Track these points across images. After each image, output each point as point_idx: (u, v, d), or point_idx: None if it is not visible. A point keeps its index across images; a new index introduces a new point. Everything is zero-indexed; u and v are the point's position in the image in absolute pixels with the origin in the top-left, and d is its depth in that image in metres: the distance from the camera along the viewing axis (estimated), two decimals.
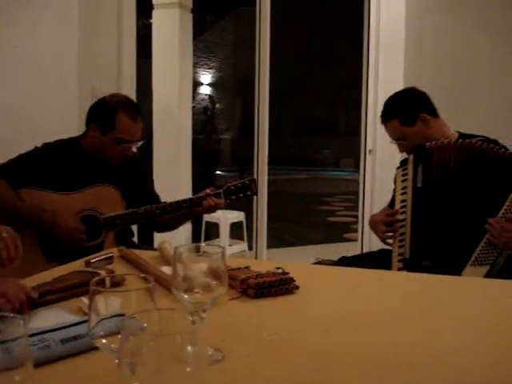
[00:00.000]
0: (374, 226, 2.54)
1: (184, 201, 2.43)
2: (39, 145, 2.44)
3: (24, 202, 2.28)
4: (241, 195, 2.48)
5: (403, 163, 2.48)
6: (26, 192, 2.30)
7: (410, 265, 2.32)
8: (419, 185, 2.36)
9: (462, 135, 2.48)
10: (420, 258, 2.32)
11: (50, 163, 2.37)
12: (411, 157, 2.41)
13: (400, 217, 2.40)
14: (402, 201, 2.42)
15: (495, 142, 2.35)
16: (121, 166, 2.48)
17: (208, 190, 2.44)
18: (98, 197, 2.39)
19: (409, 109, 2.48)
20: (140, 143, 2.48)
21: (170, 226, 2.65)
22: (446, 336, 1.20)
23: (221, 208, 2.48)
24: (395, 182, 2.52)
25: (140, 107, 2.53)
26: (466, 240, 2.26)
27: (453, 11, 4.63)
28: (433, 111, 2.50)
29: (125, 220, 2.37)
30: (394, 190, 2.54)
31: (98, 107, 2.47)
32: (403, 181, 2.44)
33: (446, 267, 2.12)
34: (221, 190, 2.44)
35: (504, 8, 4.39)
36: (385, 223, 2.45)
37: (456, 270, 2.16)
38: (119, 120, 2.38)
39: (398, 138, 2.52)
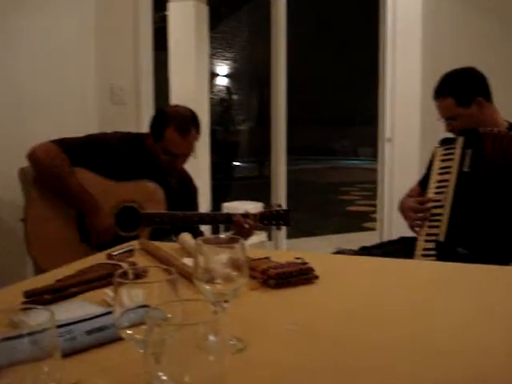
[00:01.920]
0: (403, 211, 2.49)
1: (221, 214, 2.57)
2: None
3: (77, 180, 2.37)
4: (273, 223, 2.48)
5: (446, 142, 2.42)
6: (80, 171, 2.39)
7: (443, 249, 2.26)
8: (466, 169, 2.29)
9: (511, 125, 2.44)
10: (455, 244, 2.25)
11: (112, 152, 2.46)
12: (461, 139, 2.35)
13: (434, 197, 2.35)
14: (440, 181, 2.36)
15: None
16: (172, 175, 2.57)
17: (247, 212, 2.47)
18: (144, 191, 2.46)
19: (467, 90, 2.42)
20: (193, 155, 2.55)
21: None
22: (472, 327, 1.19)
23: (250, 229, 2.44)
24: (432, 159, 2.46)
25: (195, 119, 2.53)
26: (509, 237, 2.19)
27: (470, 1, 4.58)
28: (489, 96, 2.44)
29: (163, 219, 2.42)
30: (429, 167, 2.48)
31: (155, 116, 2.58)
32: (444, 160, 2.37)
33: (481, 258, 2.07)
34: (257, 213, 2.47)
35: None
36: (415, 210, 2.43)
37: (493, 262, 2.12)
38: (168, 133, 2.45)
39: (449, 118, 2.45)
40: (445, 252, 2.24)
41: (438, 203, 2.33)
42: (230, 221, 2.47)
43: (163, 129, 2.46)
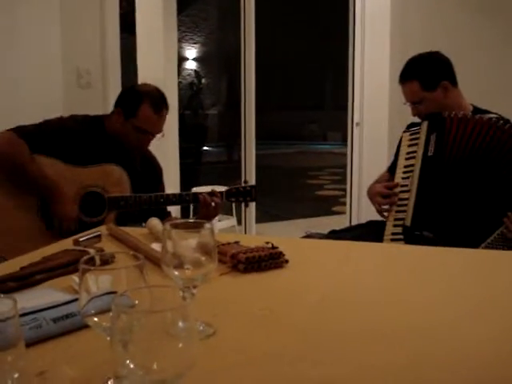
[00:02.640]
0: (371, 196, 2.51)
1: (187, 194, 2.52)
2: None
3: (37, 166, 2.32)
4: (240, 199, 2.54)
5: (412, 127, 2.43)
6: (39, 158, 2.33)
7: (409, 233, 2.28)
8: (430, 153, 2.30)
9: (476, 109, 2.44)
10: (421, 228, 2.27)
11: (71, 136, 2.40)
12: (425, 124, 2.36)
13: (401, 182, 2.37)
14: (406, 166, 2.37)
15: (508, 121, 2.29)
16: (137, 155, 2.54)
17: (214, 190, 2.50)
18: (107, 175, 2.42)
19: (432, 73, 2.43)
20: (160, 135, 2.52)
21: None
22: (439, 310, 1.20)
23: (217, 207, 2.48)
24: (400, 145, 2.47)
25: (166, 100, 2.53)
26: (475, 221, 2.20)
27: None
28: (454, 80, 2.45)
29: (128, 202, 2.40)
30: (397, 153, 2.50)
31: (126, 93, 2.55)
32: (410, 145, 2.38)
33: (447, 242, 2.09)
34: (223, 191, 2.51)
35: None
36: (382, 195, 2.44)
37: (458, 246, 2.13)
38: (142, 109, 2.43)
39: (415, 102, 2.46)
40: (411, 236, 2.26)
41: (405, 188, 2.35)
42: (196, 200, 2.47)
43: (137, 106, 2.43)
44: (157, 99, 2.47)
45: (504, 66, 4.26)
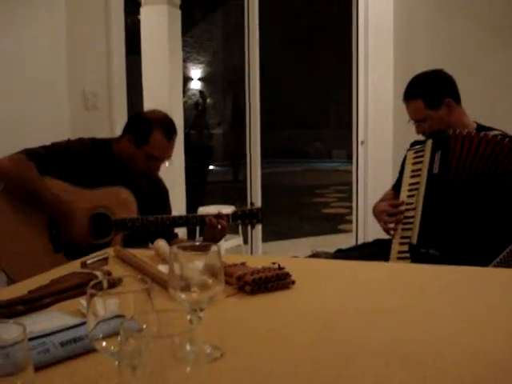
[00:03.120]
0: (377, 215, 2.51)
1: (194, 216, 2.53)
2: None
3: (47, 188, 2.34)
4: (247, 222, 2.55)
5: (415, 145, 2.44)
6: (48, 179, 2.36)
7: (416, 251, 2.27)
8: (435, 171, 2.30)
9: (479, 126, 2.45)
10: (427, 246, 2.26)
11: (79, 159, 2.43)
12: (430, 141, 2.37)
13: (406, 200, 2.37)
14: (411, 184, 2.37)
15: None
16: (143, 178, 2.57)
17: (220, 212, 2.51)
18: (114, 198, 2.45)
19: (436, 91, 2.44)
20: (168, 161, 2.56)
21: None
22: (446, 329, 1.20)
23: (223, 229, 2.49)
24: (404, 163, 2.48)
25: (176, 127, 2.56)
26: (483, 239, 2.19)
27: (442, 4, 4.63)
28: (457, 98, 2.46)
29: (135, 224, 2.41)
30: (401, 171, 2.50)
31: (136, 120, 2.57)
32: (415, 163, 2.39)
33: (454, 259, 2.08)
34: (229, 213, 2.52)
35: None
36: (388, 213, 2.44)
37: (466, 264, 2.12)
38: (154, 137, 2.45)
39: (419, 120, 2.47)
40: (418, 254, 2.26)
41: (411, 206, 2.35)
42: (202, 222, 2.48)
43: (148, 133, 2.45)
44: (167, 126, 2.49)
45: None
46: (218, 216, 2.46)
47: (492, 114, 3.84)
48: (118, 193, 2.45)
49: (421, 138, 2.53)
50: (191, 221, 2.53)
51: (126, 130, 2.54)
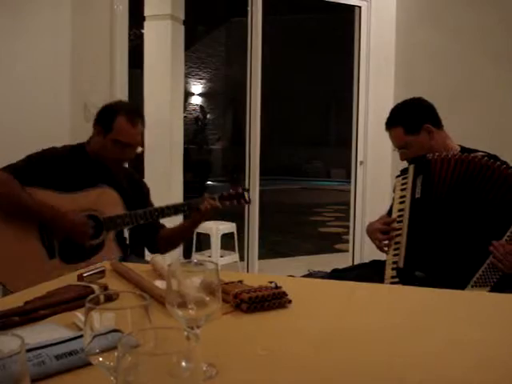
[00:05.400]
0: (370, 233, 2.54)
1: (182, 204, 2.59)
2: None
3: (31, 196, 2.37)
4: (235, 202, 2.63)
5: (403, 172, 2.48)
6: (32, 190, 2.38)
7: (403, 274, 2.32)
8: (417, 196, 2.35)
9: (463, 149, 2.49)
10: (413, 268, 2.31)
11: (56, 163, 2.46)
12: (411, 167, 2.42)
13: (396, 226, 2.40)
14: (400, 210, 2.42)
15: (495, 157, 2.35)
16: (118, 169, 2.59)
17: (205, 195, 2.60)
18: (99, 198, 2.48)
19: (414, 118, 2.50)
20: (139, 149, 2.58)
21: (173, 242, 2.72)
22: (439, 351, 1.20)
23: (216, 210, 2.59)
24: (394, 190, 2.52)
25: (142, 114, 2.60)
26: (464, 256, 2.24)
27: (442, 24, 4.67)
28: (437, 123, 2.51)
29: (124, 220, 2.46)
30: (393, 198, 2.54)
31: (101, 110, 2.58)
32: (402, 190, 2.43)
33: (439, 280, 2.13)
34: (215, 196, 2.60)
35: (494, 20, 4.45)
36: (381, 231, 2.46)
37: (451, 284, 2.14)
38: (118, 122, 2.48)
39: (401, 147, 2.53)
40: (405, 277, 2.30)
41: (399, 231, 2.38)
42: (191, 209, 2.57)
43: (112, 119, 2.49)
44: (130, 111, 2.53)
45: None
46: (212, 197, 2.57)
47: (491, 134, 3.87)
48: (102, 192, 2.49)
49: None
50: (180, 209, 2.57)
51: (94, 123, 2.57)
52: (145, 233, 2.67)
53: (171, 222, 2.76)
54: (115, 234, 2.49)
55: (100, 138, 2.51)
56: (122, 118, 2.48)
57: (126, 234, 2.77)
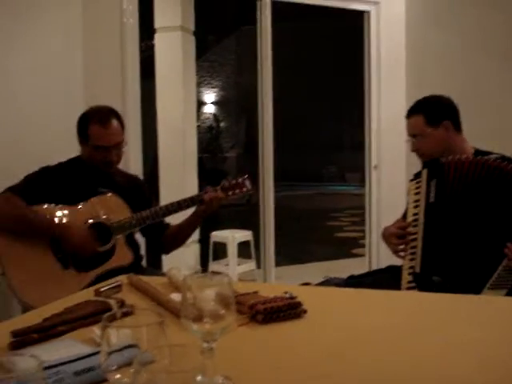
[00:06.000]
0: (386, 238, 2.53)
1: (185, 199, 2.58)
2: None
3: (38, 213, 2.41)
4: (237, 191, 2.64)
5: (417, 176, 2.47)
6: (36, 207, 2.43)
7: (420, 279, 2.31)
8: (432, 200, 2.34)
9: (477, 151, 2.48)
10: (430, 273, 2.30)
11: (55, 178, 2.52)
12: (425, 171, 2.40)
13: (412, 230, 2.39)
14: (414, 214, 2.40)
15: (510, 159, 2.32)
16: (109, 170, 2.59)
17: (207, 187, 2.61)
18: (103, 204, 2.52)
19: (437, 110, 2.51)
20: (122, 146, 2.59)
21: (178, 240, 2.75)
22: (458, 359, 1.20)
23: (221, 201, 2.60)
24: (408, 194, 2.51)
25: (114, 112, 2.60)
26: (479, 260, 2.23)
27: (453, 26, 4.66)
28: (458, 125, 2.52)
29: (132, 223, 2.49)
30: (408, 202, 2.53)
31: (77, 122, 2.61)
32: (416, 194, 2.42)
33: (456, 284, 2.12)
34: (218, 187, 2.61)
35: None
36: (397, 236, 2.46)
37: (467, 287, 2.13)
38: (91, 130, 2.52)
39: (415, 134, 2.53)
40: (422, 282, 2.29)
41: (415, 236, 2.37)
42: (195, 202, 2.57)
43: (86, 128, 2.53)
44: (100, 114, 2.54)
45: None
46: (207, 190, 2.57)
47: (506, 138, 3.84)
48: (106, 199, 2.52)
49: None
50: (184, 204, 2.57)
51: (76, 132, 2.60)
52: (152, 235, 2.71)
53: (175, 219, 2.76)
54: (125, 237, 2.52)
55: (84, 147, 2.57)
56: (94, 125, 2.51)
57: (140, 239, 2.81)
